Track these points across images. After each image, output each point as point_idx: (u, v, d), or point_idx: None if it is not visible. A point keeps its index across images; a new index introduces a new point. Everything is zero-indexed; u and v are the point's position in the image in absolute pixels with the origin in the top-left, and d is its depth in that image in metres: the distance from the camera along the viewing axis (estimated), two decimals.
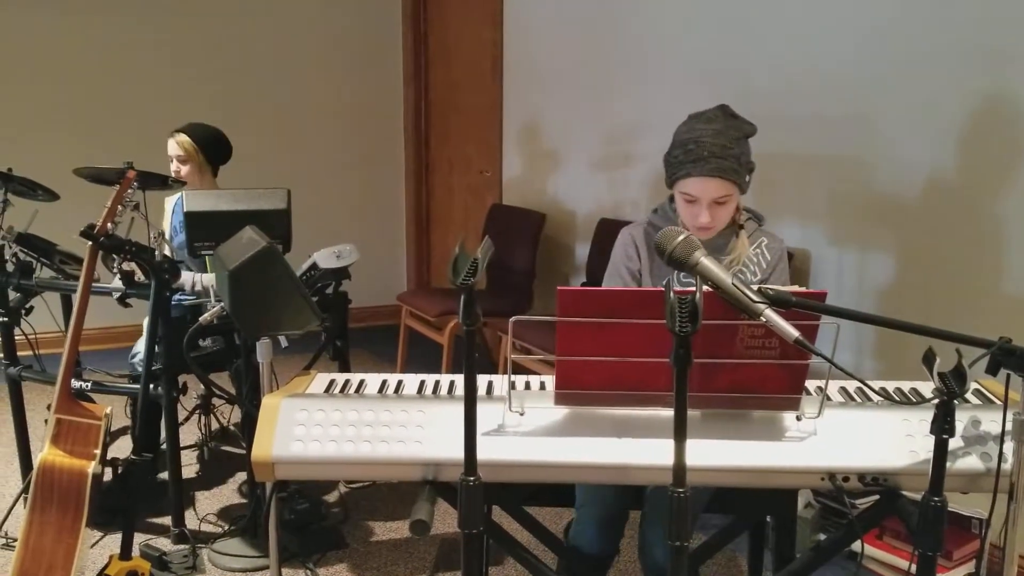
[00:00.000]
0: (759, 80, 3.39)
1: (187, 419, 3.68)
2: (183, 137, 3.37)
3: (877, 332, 3.03)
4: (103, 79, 5.19)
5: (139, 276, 2.90)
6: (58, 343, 2.55)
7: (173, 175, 3.37)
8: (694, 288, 1.35)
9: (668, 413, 1.37)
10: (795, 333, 1.37)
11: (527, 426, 1.71)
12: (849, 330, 2.99)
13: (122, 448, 3.65)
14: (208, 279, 3.07)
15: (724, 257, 2.18)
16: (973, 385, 1.92)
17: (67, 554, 2.34)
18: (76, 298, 2.51)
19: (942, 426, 1.41)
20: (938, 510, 1.47)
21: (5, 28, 4.95)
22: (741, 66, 3.46)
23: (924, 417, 1.66)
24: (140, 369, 2.94)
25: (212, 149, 3.44)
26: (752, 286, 1.43)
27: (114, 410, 2.54)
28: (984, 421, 1.69)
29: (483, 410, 1.63)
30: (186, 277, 3.12)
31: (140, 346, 3.32)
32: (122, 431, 3.90)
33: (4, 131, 4.95)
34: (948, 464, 1.47)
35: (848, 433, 1.68)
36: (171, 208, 3.51)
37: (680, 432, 1.33)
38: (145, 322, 2.90)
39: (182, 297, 3.33)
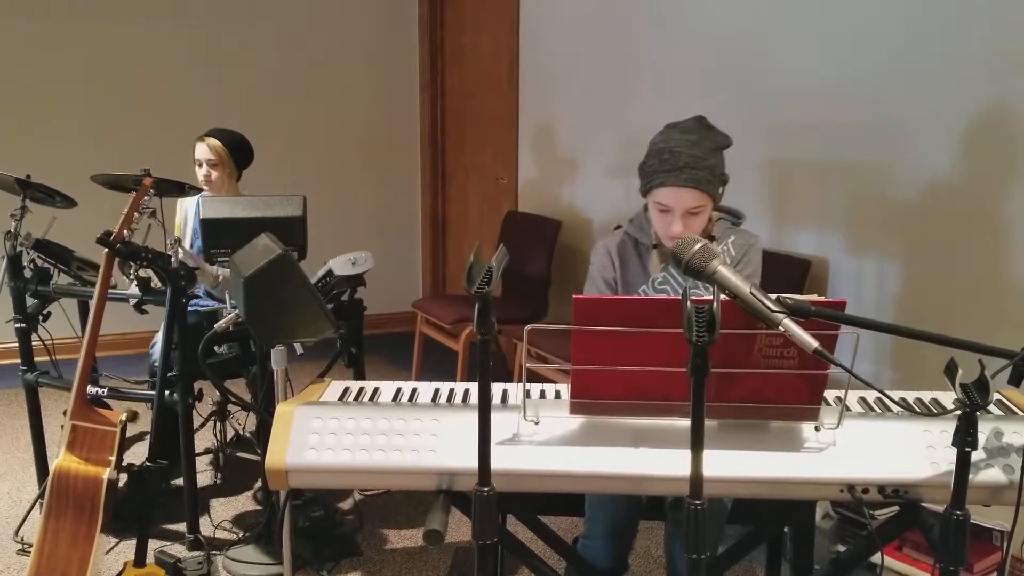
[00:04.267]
0: (776, 86, 3.37)
1: (202, 426, 3.68)
2: (215, 141, 3.38)
3: (894, 341, 3.00)
4: (121, 86, 5.22)
5: (155, 283, 2.91)
6: (75, 349, 2.55)
7: (202, 179, 3.38)
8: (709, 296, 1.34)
9: (685, 423, 1.35)
10: (814, 343, 1.35)
11: (542, 435, 1.70)
12: (867, 339, 2.96)
13: (138, 454, 3.66)
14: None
15: None
16: (995, 396, 1.89)
17: (82, 560, 2.35)
18: (93, 304, 2.52)
19: (965, 438, 1.39)
20: (961, 523, 1.44)
21: (25, 36, 4.99)
22: (758, 72, 3.44)
23: (945, 428, 1.64)
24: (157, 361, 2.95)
25: (239, 154, 3.47)
26: (771, 295, 1.42)
27: (138, 415, 2.54)
28: (1006, 433, 1.66)
29: (498, 419, 1.62)
30: (211, 269, 3.13)
31: (160, 337, 3.34)
32: (138, 437, 3.91)
33: (22, 138, 4.99)
34: (970, 476, 1.44)
35: (868, 444, 1.66)
36: (192, 210, 3.50)
37: (697, 443, 1.31)
38: (162, 325, 2.91)
39: (198, 303, 3.35)
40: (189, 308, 2.99)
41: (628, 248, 2.26)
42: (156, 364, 3.35)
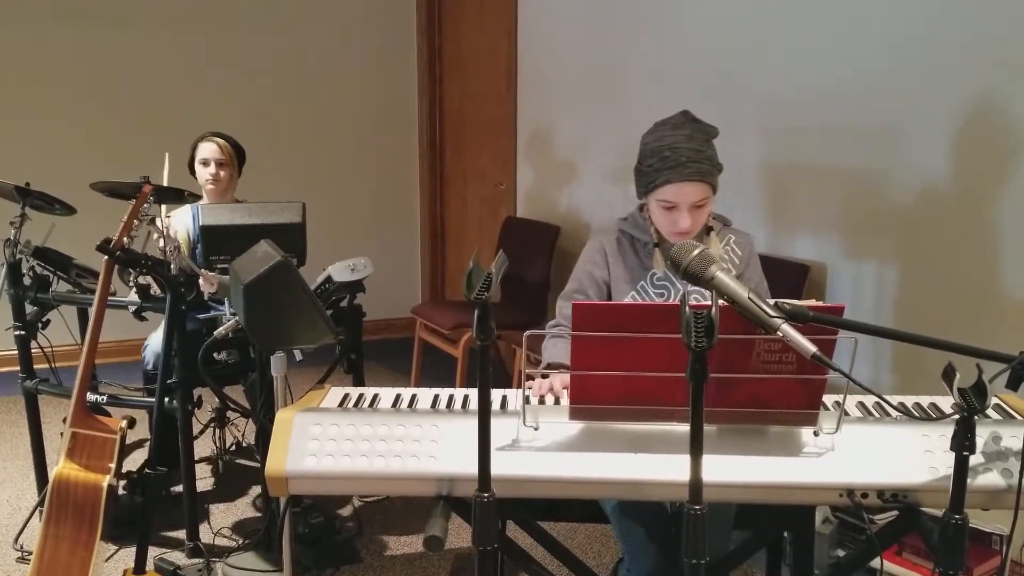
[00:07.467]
0: (775, 91, 3.38)
1: (202, 432, 3.68)
2: (224, 141, 3.40)
3: (893, 346, 3.00)
4: (120, 93, 5.23)
5: (155, 290, 2.91)
6: (74, 356, 2.55)
7: (209, 177, 3.39)
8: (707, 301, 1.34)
9: (684, 428, 1.36)
10: (812, 348, 1.36)
11: (542, 441, 1.70)
12: (865, 344, 2.95)
13: (137, 461, 3.66)
14: None
15: None
16: (993, 400, 1.89)
17: (82, 568, 2.34)
18: (92, 311, 2.53)
19: (963, 442, 1.39)
20: (959, 528, 1.45)
21: (23, 44, 5.00)
22: (757, 77, 3.45)
23: (944, 433, 1.64)
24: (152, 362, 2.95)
25: (241, 156, 3.51)
26: (768, 300, 1.42)
27: (136, 421, 2.54)
28: (1004, 436, 1.67)
29: (497, 425, 1.62)
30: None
31: (152, 339, 3.37)
32: (137, 444, 3.91)
33: (22, 146, 4.99)
34: (968, 480, 1.45)
35: (867, 449, 1.66)
36: (191, 220, 3.49)
37: (696, 448, 1.31)
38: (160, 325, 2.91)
39: (198, 310, 3.34)
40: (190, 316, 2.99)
41: (625, 246, 2.28)
42: (148, 367, 3.36)
